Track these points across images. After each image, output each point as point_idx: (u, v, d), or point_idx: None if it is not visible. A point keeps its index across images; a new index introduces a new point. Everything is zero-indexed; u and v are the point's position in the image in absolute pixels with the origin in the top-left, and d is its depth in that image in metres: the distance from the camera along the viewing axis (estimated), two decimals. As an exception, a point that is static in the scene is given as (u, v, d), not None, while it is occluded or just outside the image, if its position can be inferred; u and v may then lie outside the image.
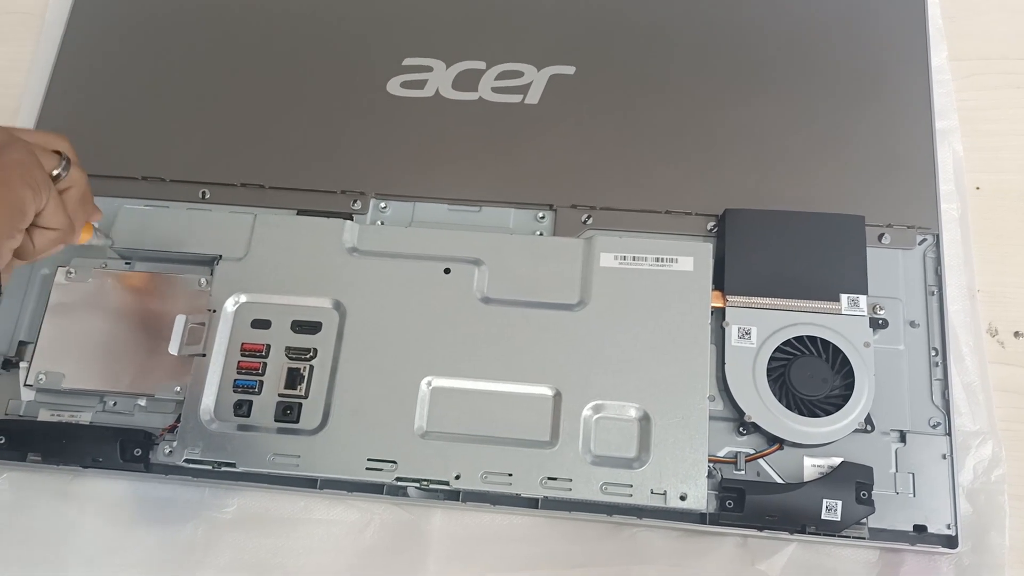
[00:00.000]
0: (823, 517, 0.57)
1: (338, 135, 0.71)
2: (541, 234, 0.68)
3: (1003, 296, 0.66)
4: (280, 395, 0.61)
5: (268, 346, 0.62)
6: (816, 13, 0.73)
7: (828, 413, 0.59)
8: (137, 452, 0.61)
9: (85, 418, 0.64)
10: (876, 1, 0.73)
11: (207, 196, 0.70)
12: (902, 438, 0.60)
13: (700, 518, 0.59)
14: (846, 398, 0.59)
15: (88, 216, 0.54)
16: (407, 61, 0.73)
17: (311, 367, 0.62)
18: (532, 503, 0.60)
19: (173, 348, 0.63)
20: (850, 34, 0.72)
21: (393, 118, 0.72)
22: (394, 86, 0.73)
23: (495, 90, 0.72)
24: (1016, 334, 0.65)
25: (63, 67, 0.76)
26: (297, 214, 0.68)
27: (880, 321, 0.62)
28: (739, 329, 0.61)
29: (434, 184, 0.69)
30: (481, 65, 0.73)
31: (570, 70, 0.72)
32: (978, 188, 0.69)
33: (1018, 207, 0.69)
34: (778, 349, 0.61)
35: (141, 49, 0.76)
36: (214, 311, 0.63)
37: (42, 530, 0.63)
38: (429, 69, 0.73)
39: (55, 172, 0.49)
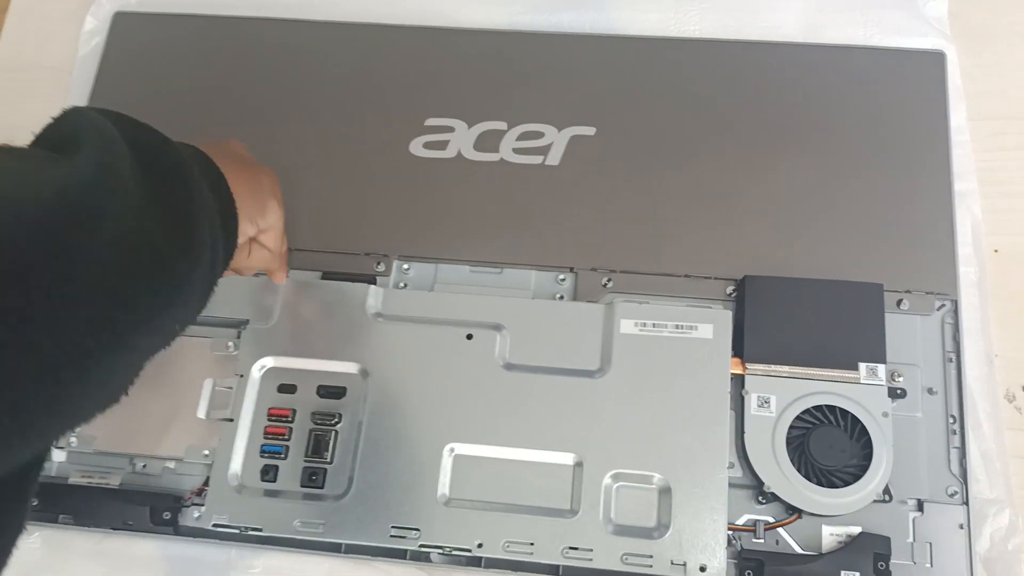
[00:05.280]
0: (841, 589, 0.58)
1: (362, 196, 0.72)
2: (562, 296, 0.69)
3: (1020, 361, 0.67)
4: (306, 460, 0.62)
5: (294, 411, 0.63)
6: (834, 75, 0.73)
7: (847, 483, 0.60)
8: (166, 516, 0.63)
9: (115, 480, 0.65)
10: (894, 61, 0.74)
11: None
12: (920, 507, 0.61)
13: (719, 586, 0.60)
14: (864, 468, 0.60)
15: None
16: (429, 121, 0.74)
17: (336, 432, 0.63)
18: (553, 569, 0.61)
19: (201, 412, 0.65)
20: (868, 95, 0.72)
21: (416, 179, 0.73)
22: (416, 147, 0.74)
23: (516, 151, 0.73)
24: (1034, 400, 0.66)
25: (92, 124, 0.77)
26: (322, 277, 0.69)
27: (899, 391, 0.63)
28: (759, 397, 0.62)
29: (456, 246, 0.70)
30: (502, 126, 0.74)
31: (590, 131, 0.73)
32: (996, 251, 0.70)
33: (1037, 271, 0.69)
34: (797, 418, 0.61)
35: (166, 110, 0.77)
36: (242, 375, 0.64)
37: (73, 589, 0.65)
38: (451, 129, 0.74)
39: None
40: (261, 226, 0.53)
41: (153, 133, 0.43)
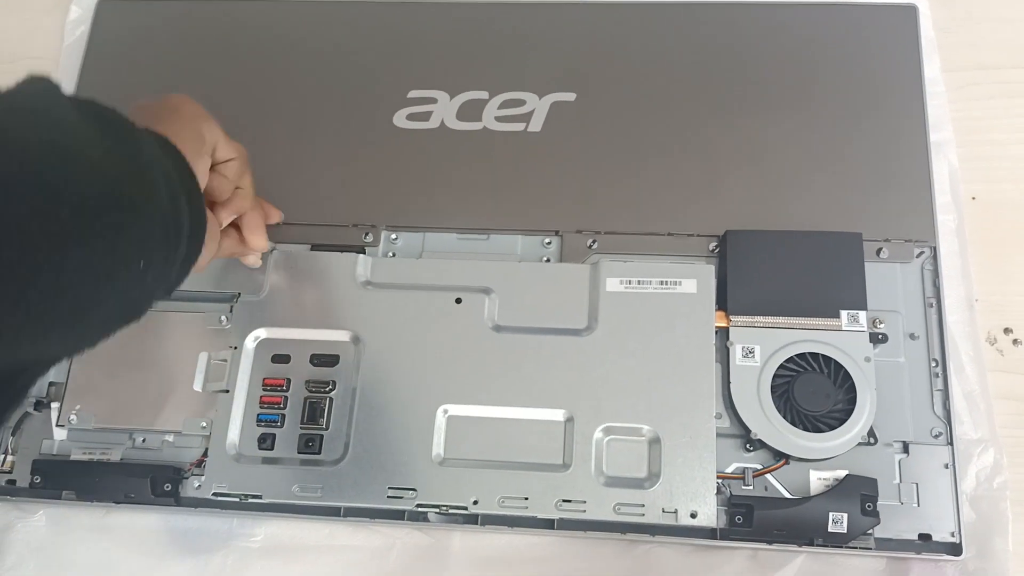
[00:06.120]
0: (830, 530, 0.59)
1: (348, 169, 0.74)
2: (548, 259, 0.70)
3: (1001, 304, 0.68)
4: (302, 427, 0.63)
5: (288, 380, 0.65)
6: (809, 32, 0.75)
7: (832, 428, 0.61)
8: (167, 487, 0.64)
9: (116, 455, 0.66)
10: (868, 16, 0.75)
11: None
12: (905, 449, 0.62)
13: (711, 533, 0.61)
14: (849, 412, 0.61)
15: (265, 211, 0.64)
16: (412, 93, 0.75)
17: (330, 399, 0.64)
18: (548, 523, 0.62)
19: (197, 385, 0.66)
20: (843, 51, 0.74)
21: (400, 150, 0.74)
22: (400, 119, 0.75)
23: (498, 119, 0.74)
24: (1015, 342, 0.67)
25: (79, 111, 0.78)
26: (311, 249, 0.70)
27: (880, 336, 0.64)
28: (743, 348, 0.63)
29: (442, 214, 0.71)
30: (484, 95, 0.75)
31: (571, 97, 0.74)
32: (974, 198, 0.71)
33: (1014, 216, 0.70)
34: (781, 366, 0.63)
35: (152, 94, 0.78)
36: (235, 347, 0.66)
37: (79, 563, 0.66)
38: (433, 101, 0.75)
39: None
40: (207, 152, 0.54)
41: (97, 103, 0.46)
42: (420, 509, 0.62)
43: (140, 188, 0.42)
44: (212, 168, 0.56)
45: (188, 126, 0.53)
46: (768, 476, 0.62)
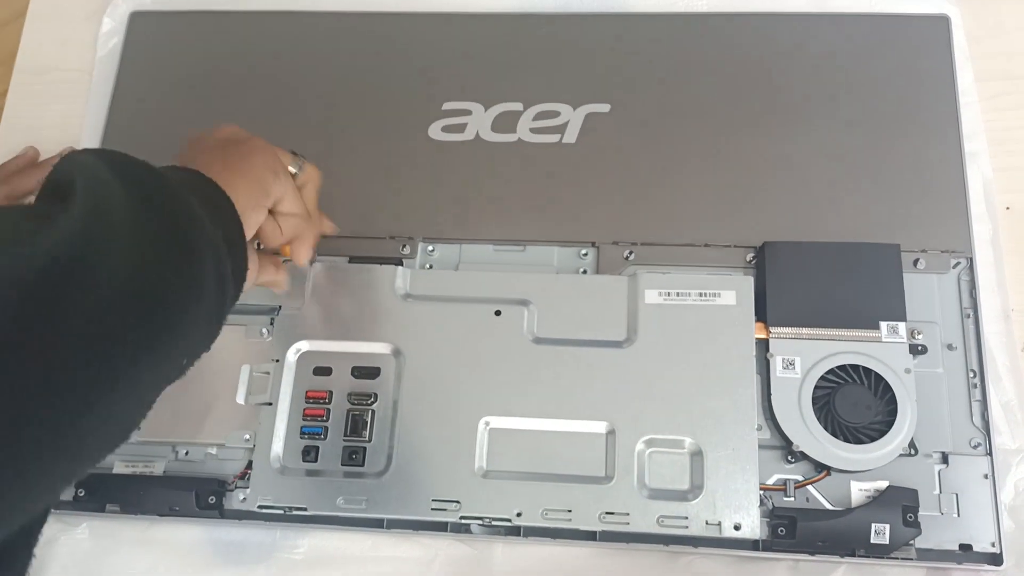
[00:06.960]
0: (872, 541, 0.59)
1: (384, 182, 0.74)
2: (585, 271, 0.70)
3: (1037, 314, 0.68)
4: (345, 440, 0.64)
5: (331, 392, 0.65)
6: (842, 43, 0.75)
7: (873, 439, 0.61)
8: (212, 500, 0.64)
9: (159, 468, 0.67)
10: (900, 27, 0.75)
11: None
12: (944, 460, 0.63)
13: (753, 544, 0.62)
14: (889, 424, 0.62)
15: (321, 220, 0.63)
16: (447, 105, 0.76)
17: (372, 412, 0.64)
18: (590, 535, 0.63)
19: (240, 398, 0.66)
20: (876, 61, 0.74)
21: (436, 162, 0.74)
22: (435, 130, 0.75)
23: (533, 131, 0.74)
24: (1051, 351, 0.67)
25: (114, 123, 0.79)
26: (349, 261, 0.71)
27: (919, 347, 0.64)
28: (783, 360, 0.64)
29: (479, 226, 0.72)
30: (519, 106, 0.75)
31: (605, 108, 0.75)
32: (1008, 208, 0.71)
33: (1048, 225, 0.71)
34: (822, 378, 0.63)
35: (187, 105, 0.79)
36: (277, 360, 0.66)
37: None
38: (468, 112, 0.75)
39: (292, 169, 0.58)
40: (267, 205, 0.53)
41: (146, 170, 0.44)
42: (464, 521, 0.62)
43: (189, 292, 0.40)
44: (271, 213, 0.55)
45: (253, 177, 0.52)
46: (810, 487, 0.63)
